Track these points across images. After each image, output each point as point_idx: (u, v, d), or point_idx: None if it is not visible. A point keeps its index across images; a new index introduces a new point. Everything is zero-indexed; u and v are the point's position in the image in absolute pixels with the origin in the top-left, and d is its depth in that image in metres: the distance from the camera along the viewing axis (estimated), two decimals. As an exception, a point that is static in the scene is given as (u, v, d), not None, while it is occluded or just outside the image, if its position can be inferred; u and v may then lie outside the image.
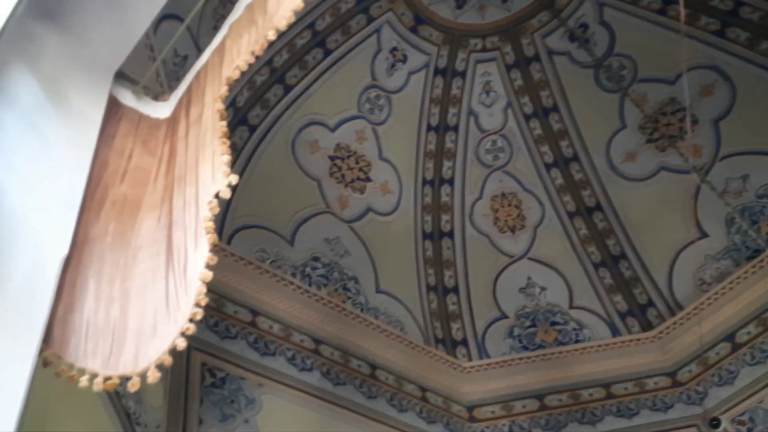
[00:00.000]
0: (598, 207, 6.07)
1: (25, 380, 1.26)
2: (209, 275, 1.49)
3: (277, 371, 4.51)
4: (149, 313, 1.52)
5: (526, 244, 6.26)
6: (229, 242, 4.87)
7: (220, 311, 4.49)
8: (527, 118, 6.21)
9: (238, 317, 4.58)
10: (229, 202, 5.02)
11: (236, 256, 4.76)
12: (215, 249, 4.48)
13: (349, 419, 4.68)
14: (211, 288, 4.44)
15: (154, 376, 1.40)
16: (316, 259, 5.47)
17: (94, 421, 2.71)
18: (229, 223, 4.99)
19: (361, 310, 5.43)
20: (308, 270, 5.35)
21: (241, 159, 5.17)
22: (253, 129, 5.30)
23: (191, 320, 1.45)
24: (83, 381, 1.42)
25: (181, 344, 1.43)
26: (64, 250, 1.55)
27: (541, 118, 6.15)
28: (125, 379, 1.41)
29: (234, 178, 1.70)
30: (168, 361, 1.41)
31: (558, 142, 6.15)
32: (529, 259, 6.22)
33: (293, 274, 5.16)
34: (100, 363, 1.45)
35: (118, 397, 2.97)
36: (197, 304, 1.48)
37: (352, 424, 4.68)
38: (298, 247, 5.40)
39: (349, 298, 5.48)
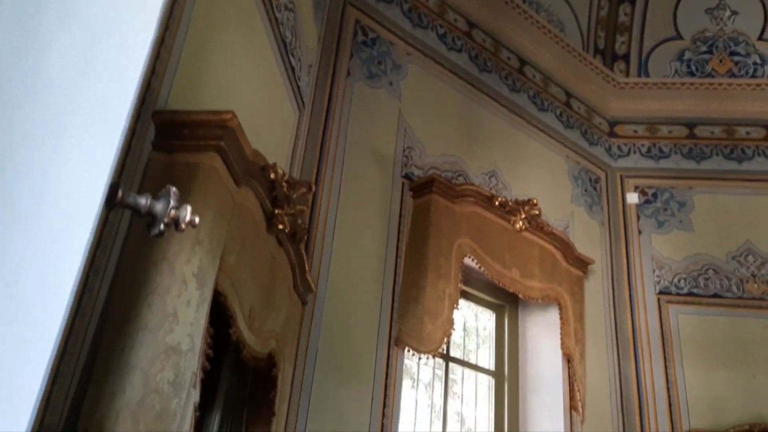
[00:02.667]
0: None
1: None
2: None
3: (427, 44, 4.51)
4: None
5: (731, -43, 5.38)
6: None
7: (379, -27, 4.39)
8: None
9: (396, -17, 4.47)
10: None
11: None
12: None
13: (488, 106, 4.74)
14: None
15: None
16: (485, -64, 5.04)
17: (255, 41, 2.91)
18: None
19: (524, 0, 5.12)
20: (475, -53, 4.97)
21: None
22: None
23: None
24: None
25: None
26: None
27: None
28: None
29: None
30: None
31: None
32: (729, -25, 5.40)
33: (459, -52, 4.82)
34: None
35: (277, 24, 3.12)
36: None
37: (491, 110, 4.74)
38: None
39: (513, -14, 5.13)
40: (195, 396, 1.85)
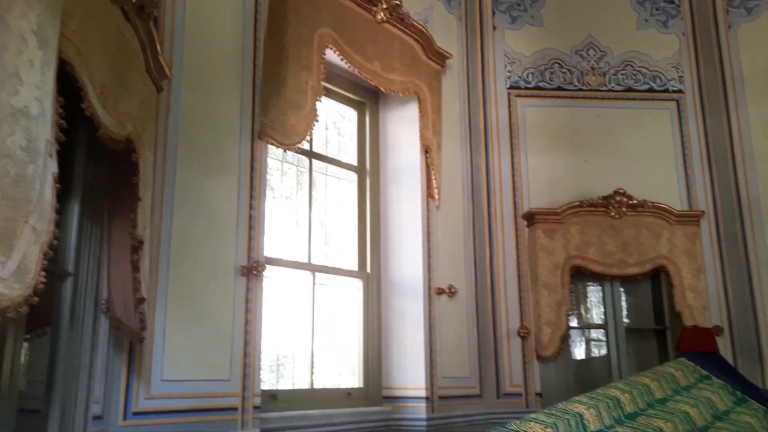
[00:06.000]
0: None
1: None
2: None
3: None
4: None
5: None
6: None
7: None
8: None
9: None
10: None
11: None
12: None
13: None
14: None
15: None
16: None
17: None
18: None
19: None
20: None
21: None
22: None
23: None
24: None
25: None
26: None
27: None
28: None
29: None
30: None
31: None
32: None
33: None
34: None
35: None
36: None
37: None
38: None
39: None
40: (53, 166, 1.71)
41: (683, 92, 5.32)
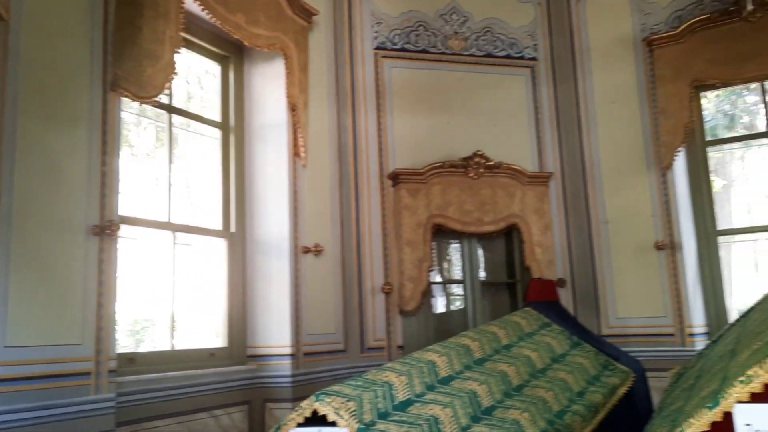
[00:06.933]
0: None
1: None
2: None
3: None
4: None
5: None
6: None
7: None
8: None
9: None
10: None
11: None
12: None
13: None
14: None
15: None
16: None
17: None
18: None
19: None
20: None
21: None
22: None
23: None
24: None
25: None
26: None
27: None
28: None
29: None
30: None
31: None
32: None
33: None
34: None
35: None
36: None
37: None
38: None
39: None
40: None
41: (537, 60, 5.64)
